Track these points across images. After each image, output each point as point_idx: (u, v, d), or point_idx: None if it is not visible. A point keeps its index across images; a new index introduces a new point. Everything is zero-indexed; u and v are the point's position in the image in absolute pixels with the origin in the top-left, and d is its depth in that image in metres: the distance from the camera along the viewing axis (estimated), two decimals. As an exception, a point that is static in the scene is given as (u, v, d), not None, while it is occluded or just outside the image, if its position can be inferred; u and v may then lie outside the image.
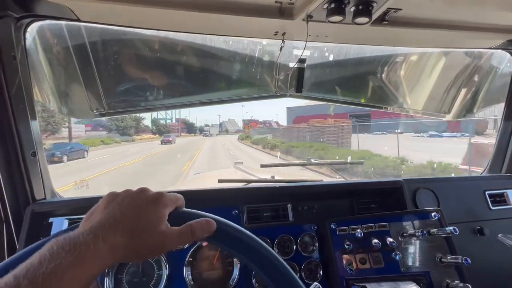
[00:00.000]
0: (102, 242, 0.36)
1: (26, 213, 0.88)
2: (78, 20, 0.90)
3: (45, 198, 0.97)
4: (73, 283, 0.33)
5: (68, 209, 0.95)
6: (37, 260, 0.32)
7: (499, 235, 0.88)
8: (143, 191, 0.45)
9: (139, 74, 1.24)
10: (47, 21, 0.93)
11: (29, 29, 0.91)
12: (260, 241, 0.45)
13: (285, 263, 0.44)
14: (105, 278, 0.86)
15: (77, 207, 0.95)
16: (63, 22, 0.99)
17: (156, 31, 1.10)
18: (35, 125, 0.95)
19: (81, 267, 0.33)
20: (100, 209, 0.43)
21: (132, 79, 1.25)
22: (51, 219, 0.93)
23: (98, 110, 1.25)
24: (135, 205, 0.42)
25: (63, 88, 1.15)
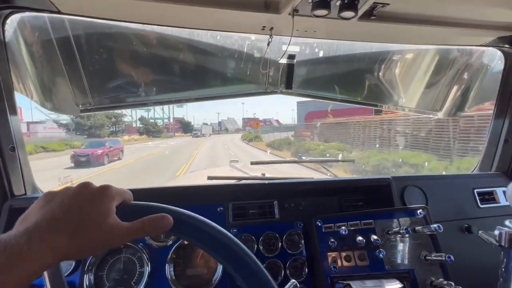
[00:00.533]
0: (39, 243, 0.34)
1: (4, 209, 0.86)
2: (59, 12, 0.87)
3: (25, 194, 0.95)
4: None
5: None
6: None
7: (480, 232, 0.87)
8: (85, 185, 0.42)
9: (126, 69, 1.22)
10: (27, 13, 0.91)
11: (8, 21, 0.89)
12: (222, 229, 0.44)
13: (249, 252, 0.43)
14: (85, 275, 0.85)
15: None
16: (45, 15, 0.97)
17: (142, 25, 1.09)
18: (15, 120, 0.93)
19: (9, 272, 0.31)
20: (36, 210, 0.40)
21: (118, 73, 1.23)
22: None
23: (84, 106, 1.22)
24: (78, 201, 0.40)
25: (46, 82, 1.13)
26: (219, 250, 0.42)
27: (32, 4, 0.85)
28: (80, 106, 1.21)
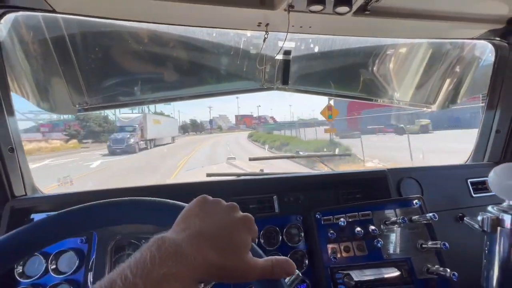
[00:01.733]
0: (202, 256, 0.33)
1: (5, 210, 0.86)
2: (54, 11, 0.87)
3: (25, 195, 0.95)
4: None
5: (50, 205, 0.94)
6: (148, 260, 0.30)
7: (465, 218, 0.91)
8: (236, 208, 0.41)
9: (122, 68, 1.22)
10: (21, 13, 0.90)
11: (2, 21, 0.88)
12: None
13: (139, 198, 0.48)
14: (89, 273, 0.85)
15: (59, 203, 0.93)
16: (39, 14, 0.96)
17: (137, 23, 1.08)
18: (13, 121, 0.93)
19: (181, 281, 0.31)
20: (196, 212, 0.39)
21: (114, 72, 1.23)
22: (32, 216, 0.91)
23: (81, 105, 1.22)
24: (230, 222, 0.39)
25: (42, 82, 1.12)
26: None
27: (27, 4, 0.84)
28: (77, 106, 1.21)
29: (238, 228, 0.39)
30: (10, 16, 0.92)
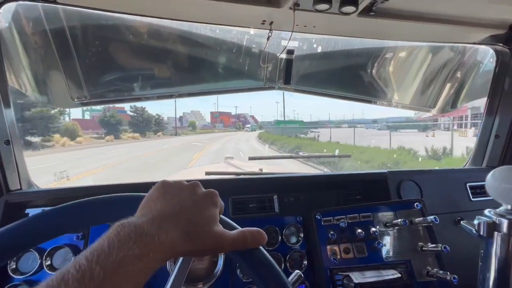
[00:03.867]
0: (165, 234, 0.34)
1: (0, 204, 0.84)
2: (55, 1, 0.85)
3: (21, 189, 0.93)
4: (137, 276, 0.30)
5: (46, 200, 0.92)
6: (106, 246, 0.30)
7: (462, 222, 0.90)
8: (198, 185, 0.43)
9: (122, 62, 1.20)
10: (21, 2, 0.88)
11: (1, 10, 0.86)
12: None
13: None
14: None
15: (55, 198, 0.91)
16: (39, 4, 0.94)
17: (139, 17, 1.07)
18: (9, 113, 0.90)
19: (145, 260, 0.31)
20: (156, 196, 0.40)
21: (115, 67, 1.21)
22: (27, 210, 0.89)
23: (80, 99, 1.20)
24: (193, 200, 0.40)
25: (40, 75, 1.10)
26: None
27: (27, -7, 0.82)
28: (75, 100, 1.19)
29: (202, 203, 0.40)
30: (10, 6, 0.90)
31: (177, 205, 0.39)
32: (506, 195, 0.85)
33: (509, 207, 0.85)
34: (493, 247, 0.84)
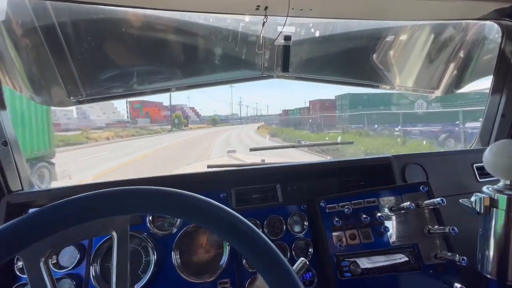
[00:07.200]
0: None
1: (1, 205, 0.84)
2: (42, -4, 0.83)
3: (22, 189, 0.92)
4: None
5: (48, 200, 0.91)
6: None
7: (460, 200, 0.88)
8: None
9: (117, 57, 1.18)
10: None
11: (-12, 8, 0.84)
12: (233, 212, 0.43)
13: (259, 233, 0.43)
14: (91, 266, 0.84)
15: (57, 197, 0.90)
16: (26, 1, 0.92)
17: (130, 9, 1.04)
18: (5, 114, 0.89)
19: None
20: None
21: (109, 62, 1.18)
22: (30, 210, 0.89)
23: (76, 97, 1.19)
24: None
25: (34, 74, 1.08)
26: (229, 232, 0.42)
27: (12, -11, 0.80)
28: (71, 98, 1.17)
29: None
30: (-4, 4, 0.88)
31: None
32: (503, 169, 0.81)
33: (507, 182, 0.82)
34: (492, 223, 0.81)
